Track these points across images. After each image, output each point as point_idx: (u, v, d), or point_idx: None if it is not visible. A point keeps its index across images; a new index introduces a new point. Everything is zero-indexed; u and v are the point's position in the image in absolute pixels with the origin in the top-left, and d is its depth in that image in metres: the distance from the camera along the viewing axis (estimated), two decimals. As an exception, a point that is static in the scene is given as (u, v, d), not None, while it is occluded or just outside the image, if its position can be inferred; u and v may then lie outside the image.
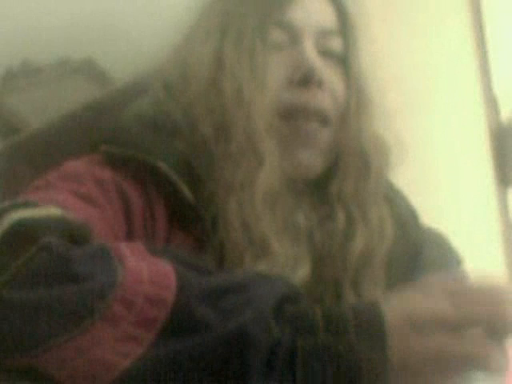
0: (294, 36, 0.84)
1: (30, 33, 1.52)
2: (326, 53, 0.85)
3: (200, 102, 0.82)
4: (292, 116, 0.82)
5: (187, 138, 0.81)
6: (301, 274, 0.77)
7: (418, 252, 0.89)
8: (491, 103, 2.11)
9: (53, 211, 0.63)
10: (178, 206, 0.76)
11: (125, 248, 0.59)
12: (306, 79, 0.82)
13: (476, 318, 0.55)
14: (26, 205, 0.63)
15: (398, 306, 0.56)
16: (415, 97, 1.73)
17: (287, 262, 0.76)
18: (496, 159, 2.09)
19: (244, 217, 0.76)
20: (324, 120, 0.83)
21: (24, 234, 0.58)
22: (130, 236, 0.74)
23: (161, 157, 0.77)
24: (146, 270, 0.56)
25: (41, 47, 1.53)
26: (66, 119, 0.99)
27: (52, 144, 0.96)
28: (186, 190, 0.76)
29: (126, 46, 1.51)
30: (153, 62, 0.92)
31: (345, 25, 0.88)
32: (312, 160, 0.83)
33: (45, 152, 0.94)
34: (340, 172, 0.85)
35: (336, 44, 0.87)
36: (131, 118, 0.85)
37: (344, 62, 0.87)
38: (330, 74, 0.84)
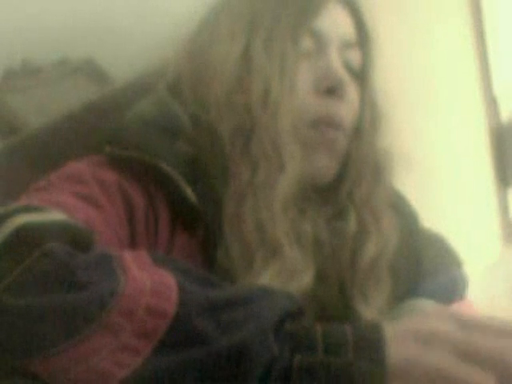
0: (321, 45, 0.85)
1: (30, 33, 1.52)
2: (346, 65, 0.86)
3: (222, 100, 0.81)
4: (315, 122, 0.82)
5: (193, 138, 0.80)
6: (305, 279, 0.76)
7: (419, 257, 0.89)
8: (491, 103, 2.11)
9: (56, 216, 0.63)
10: (181, 206, 0.76)
11: (128, 257, 0.58)
12: (332, 89, 0.82)
13: (484, 349, 0.52)
14: (30, 209, 0.62)
15: (401, 325, 0.54)
16: (415, 97, 1.73)
17: (295, 266, 0.75)
18: (496, 159, 2.09)
19: (260, 218, 0.76)
20: (342, 129, 0.84)
21: (27, 239, 0.57)
22: (132, 237, 0.74)
23: (164, 157, 0.77)
24: (149, 281, 0.55)
25: (41, 47, 1.52)
26: (66, 119, 0.99)
27: (52, 144, 0.96)
28: (188, 191, 0.75)
29: (126, 46, 1.50)
30: (153, 61, 0.92)
31: (363, 39, 0.89)
32: (330, 165, 0.84)
33: (45, 152, 0.94)
34: (351, 178, 0.85)
35: (355, 57, 0.87)
36: (134, 119, 0.85)
37: (360, 76, 0.88)
38: (349, 87, 0.85)
